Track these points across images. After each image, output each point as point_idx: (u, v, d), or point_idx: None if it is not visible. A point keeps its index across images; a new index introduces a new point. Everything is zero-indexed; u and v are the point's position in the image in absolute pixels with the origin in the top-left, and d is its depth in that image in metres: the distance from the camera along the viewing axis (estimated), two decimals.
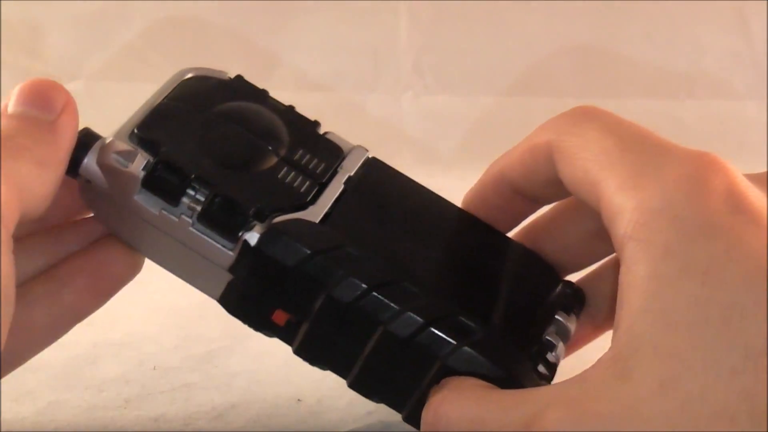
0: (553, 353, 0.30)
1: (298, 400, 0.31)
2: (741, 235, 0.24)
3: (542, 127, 0.30)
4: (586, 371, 0.25)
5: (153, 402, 0.36)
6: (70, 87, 0.57)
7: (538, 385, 0.29)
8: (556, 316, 0.31)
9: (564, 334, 0.30)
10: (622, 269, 0.26)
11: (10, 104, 0.27)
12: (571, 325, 0.31)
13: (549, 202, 0.33)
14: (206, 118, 0.31)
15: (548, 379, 0.29)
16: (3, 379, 0.28)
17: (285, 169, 0.30)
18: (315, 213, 0.30)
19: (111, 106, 0.37)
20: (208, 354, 0.39)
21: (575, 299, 0.32)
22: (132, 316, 0.29)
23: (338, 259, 0.29)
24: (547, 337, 0.30)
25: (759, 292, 0.23)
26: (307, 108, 0.33)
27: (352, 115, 0.58)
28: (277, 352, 0.31)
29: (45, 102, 0.27)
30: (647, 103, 0.61)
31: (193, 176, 0.29)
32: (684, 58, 0.63)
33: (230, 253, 0.29)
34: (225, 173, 0.29)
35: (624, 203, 0.26)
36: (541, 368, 0.29)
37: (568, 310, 0.31)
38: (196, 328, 0.31)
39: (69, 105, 0.27)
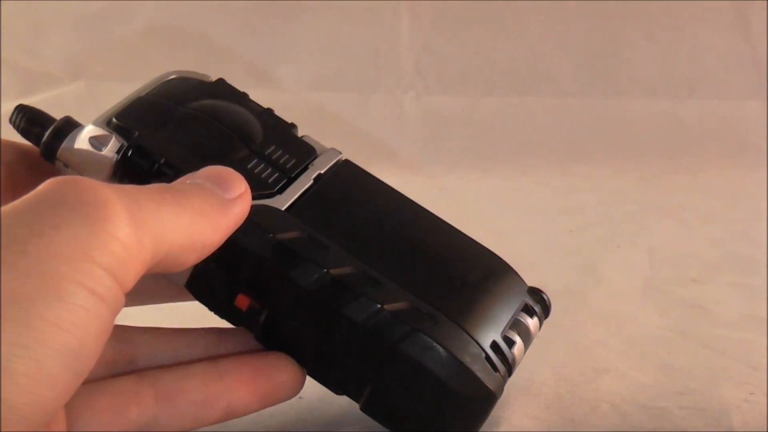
0: (511, 349, 0.30)
1: (300, 397, 0.31)
2: None
3: None
4: None
5: None
6: (72, 87, 0.57)
7: (492, 374, 0.29)
8: (518, 317, 0.31)
9: (524, 335, 0.31)
10: None
11: (191, 178, 0.27)
12: (533, 327, 0.32)
13: None
14: (183, 112, 0.32)
15: (504, 370, 0.30)
16: None
17: (255, 161, 0.31)
18: (281, 201, 0.30)
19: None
20: None
21: (539, 304, 0.32)
22: (128, 316, 0.29)
23: (298, 243, 0.29)
24: (507, 335, 0.30)
25: None
26: (309, 107, 0.33)
27: (354, 115, 0.58)
28: None
29: (225, 183, 0.27)
30: (649, 104, 0.61)
31: (162, 161, 0.30)
32: (685, 58, 0.63)
33: None
34: (195, 160, 0.30)
35: None
36: (496, 360, 0.29)
37: (531, 313, 0.32)
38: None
39: (245, 195, 0.28)
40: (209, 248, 0.27)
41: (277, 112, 0.33)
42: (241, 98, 0.33)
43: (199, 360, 0.31)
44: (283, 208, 0.30)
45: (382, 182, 0.33)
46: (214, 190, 0.27)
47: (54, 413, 0.23)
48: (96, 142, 0.30)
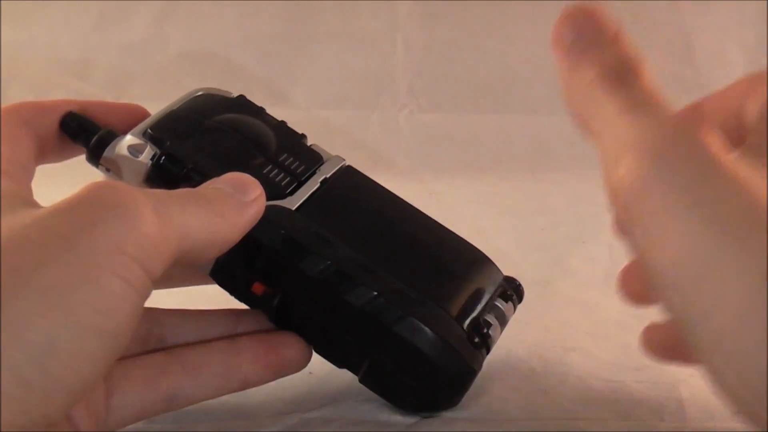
0: (488, 330, 0.30)
1: (310, 373, 0.31)
2: None
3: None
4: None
5: None
6: None
7: (473, 352, 0.29)
8: (495, 303, 0.31)
9: (501, 318, 0.31)
10: None
11: (213, 183, 0.27)
12: (508, 311, 0.32)
13: None
14: (208, 124, 0.32)
15: (483, 348, 0.30)
16: None
17: (270, 167, 0.31)
18: (292, 202, 0.30)
19: None
20: None
21: (514, 291, 0.32)
22: (159, 300, 0.29)
23: (306, 239, 0.29)
24: (485, 317, 0.30)
25: None
26: (318, 123, 0.33)
27: (357, 130, 0.58)
28: None
29: (243, 188, 0.27)
30: None
31: (189, 167, 0.30)
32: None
33: None
34: (218, 166, 0.30)
35: None
36: (477, 339, 0.29)
37: (506, 299, 0.31)
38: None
39: (260, 197, 0.28)
40: (228, 243, 0.26)
41: (291, 126, 0.33)
42: (259, 112, 0.33)
43: (220, 338, 0.31)
44: (293, 208, 0.30)
45: (380, 185, 0.33)
46: (233, 194, 0.27)
47: (93, 385, 0.22)
48: (133, 150, 0.30)
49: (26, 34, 0.61)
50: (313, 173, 0.32)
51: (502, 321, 0.31)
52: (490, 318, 0.30)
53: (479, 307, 0.30)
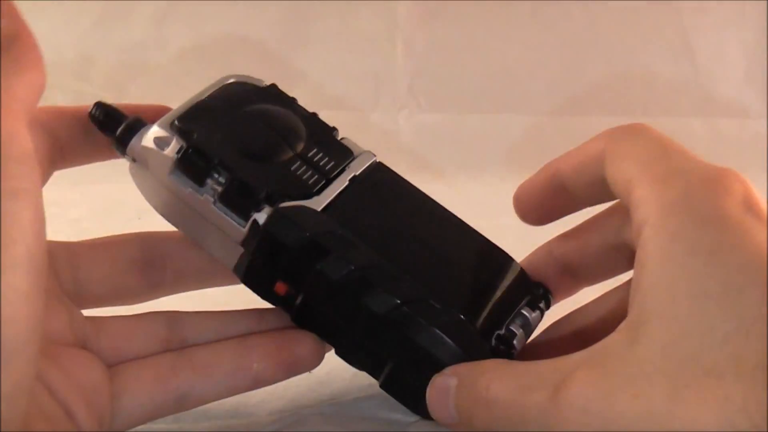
0: (513, 340, 0.30)
1: (310, 372, 0.31)
2: (749, 228, 0.24)
3: (599, 136, 0.29)
4: (606, 339, 0.25)
5: None
6: None
7: None
8: (522, 311, 0.31)
9: (526, 327, 0.31)
10: (638, 252, 0.25)
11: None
12: (535, 320, 0.31)
13: (588, 204, 0.32)
14: (237, 116, 0.31)
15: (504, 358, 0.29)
16: None
17: (298, 163, 0.30)
18: (318, 202, 0.30)
19: None
20: None
21: (543, 298, 0.32)
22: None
23: (330, 241, 0.29)
24: (511, 327, 0.30)
25: (757, 274, 0.23)
26: None
27: (357, 130, 0.58)
28: None
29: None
30: (607, 120, 0.61)
31: (216, 162, 0.29)
32: (639, 81, 0.63)
33: (243, 229, 0.29)
34: (245, 162, 0.29)
35: (648, 195, 0.26)
36: (500, 349, 0.29)
37: (533, 307, 0.31)
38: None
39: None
40: None
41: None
42: (290, 103, 0.32)
43: (232, 337, 0.31)
44: (319, 209, 0.29)
45: (410, 184, 0.32)
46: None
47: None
48: (160, 142, 0.29)
49: None
50: (343, 170, 0.31)
51: (528, 330, 0.31)
52: (515, 328, 0.30)
53: (505, 317, 0.30)
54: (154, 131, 0.30)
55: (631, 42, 0.63)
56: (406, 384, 0.29)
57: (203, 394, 0.29)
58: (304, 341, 0.30)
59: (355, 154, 0.32)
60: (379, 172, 0.32)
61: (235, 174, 0.29)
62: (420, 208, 0.32)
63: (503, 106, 0.61)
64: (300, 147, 0.31)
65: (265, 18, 0.61)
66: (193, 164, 0.29)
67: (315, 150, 0.31)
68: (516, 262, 0.32)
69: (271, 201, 0.29)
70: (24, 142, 0.23)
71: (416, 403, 0.30)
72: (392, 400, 0.30)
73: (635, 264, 0.25)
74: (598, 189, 0.29)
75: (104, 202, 0.49)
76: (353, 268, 0.28)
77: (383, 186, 0.32)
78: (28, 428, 0.23)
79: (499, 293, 0.30)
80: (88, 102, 0.30)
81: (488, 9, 0.62)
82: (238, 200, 0.29)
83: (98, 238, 0.31)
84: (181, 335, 0.30)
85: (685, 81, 0.62)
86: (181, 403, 0.29)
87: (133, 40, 0.60)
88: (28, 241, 0.22)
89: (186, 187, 0.29)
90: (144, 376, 0.29)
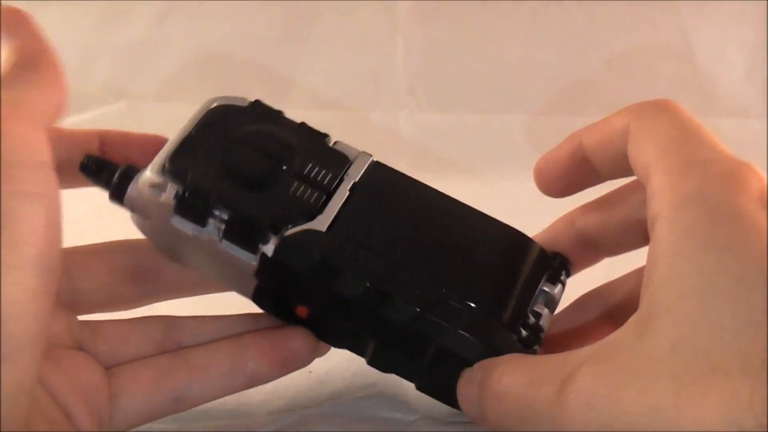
0: (540, 322, 0.29)
1: (310, 372, 0.31)
2: (762, 225, 0.24)
3: (625, 110, 0.29)
4: (614, 333, 0.25)
5: None
6: (116, 107, 0.57)
7: (524, 351, 0.29)
8: (543, 288, 0.30)
9: (550, 304, 0.30)
10: (651, 244, 0.25)
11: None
12: (558, 294, 0.31)
13: (611, 178, 0.32)
14: (226, 146, 0.31)
15: (535, 345, 0.29)
16: None
17: (296, 183, 0.30)
18: (323, 221, 0.29)
19: (150, 123, 0.37)
20: None
21: (561, 269, 0.32)
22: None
23: (341, 261, 0.28)
24: (535, 308, 0.30)
25: None
26: (318, 123, 0.33)
27: (357, 130, 0.58)
28: None
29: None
30: None
31: (215, 200, 0.29)
32: (639, 81, 0.63)
33: (253, 262, 0.29)
34: (243, 194, 0.29)
35: (664, 185, 0.25)
36: (528, 336, 0.29)
37: (554, 281, 0.31)
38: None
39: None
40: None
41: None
42: (276, 117, 0.32)
43: (226, 337, 0.31)
44: (325, 228, 0.29)
45: (411, 178, 0.32)
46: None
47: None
48: (155, 189, 0.29)
49: None
50: (341, 180, 0.31)
51: (552, 306, 0.31)
52: (539, 308, 0.30)
53: (528, 298, 0.30)
54: (148, 178, 0.29)
55: (631, 42, 0.63)
56: (442, 383, 0.29)
57: (200, 395, 0.29)
58: (297, 335, 0.30)
59: (350, 159, 0.32)
60: (378, 173, 0.32)
61: (235, 209, 0.29)
62: (424, 202, 0.32)
63: (503, 106, 0.61)
64: (294, 164, 0.31)
65: (265, 18, 0.61)
66: (192, 207, 0.29)
67: (310, 165, 0.31)
68: (530, 238, 0.32)
69: (276, 230, 0.29)
70: (41, 149, 0.23)
71: (454, 401, 0.29)
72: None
73: (648, 257, 0.25)
74: (622, 164, 0.29)
75: (104, 202, 0.49)
76: (368, 285, 0.28)
77: (384, 187, 0.32)
78: (29, 429, 0.23)
79: (518, 275, 0.30)
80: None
81: (488, 9, 0.62)
82: (243, 235, 0.29)
83: (94, 245, 0.31)
84: (176, 339, 0.30)
85: (685, 81, 0.62)
86: (179, 404, 0.29)
87: (133, 40, 0.60)
88: (39, 244, 0.22)
89: (189, 230, 0.29)
90: (141, 377, 0.29)
